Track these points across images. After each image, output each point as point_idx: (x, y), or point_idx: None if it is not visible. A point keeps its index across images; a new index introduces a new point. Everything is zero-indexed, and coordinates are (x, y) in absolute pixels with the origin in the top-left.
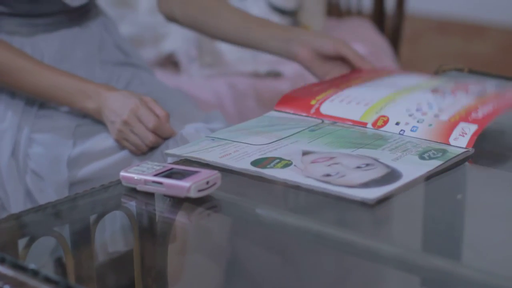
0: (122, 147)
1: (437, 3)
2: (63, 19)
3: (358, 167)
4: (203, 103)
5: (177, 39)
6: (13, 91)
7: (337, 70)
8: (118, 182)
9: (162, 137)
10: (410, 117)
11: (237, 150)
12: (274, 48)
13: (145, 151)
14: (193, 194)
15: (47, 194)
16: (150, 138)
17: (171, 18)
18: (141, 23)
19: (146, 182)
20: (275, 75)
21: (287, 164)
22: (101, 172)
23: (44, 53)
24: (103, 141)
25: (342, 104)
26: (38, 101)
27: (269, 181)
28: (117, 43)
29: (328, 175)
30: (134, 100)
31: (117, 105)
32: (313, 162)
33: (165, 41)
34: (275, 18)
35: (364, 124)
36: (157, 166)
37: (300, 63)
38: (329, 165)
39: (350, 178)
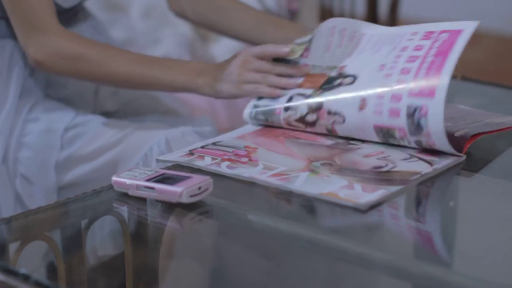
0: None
1: (430, 9)
2: None
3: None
4: (196, 108)
5: (169, 43)
6: (106, 84)
7: None
8: (110, 187)
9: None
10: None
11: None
12: None
13: (281, 84)
14: (185, 199)
15: (36, 199)
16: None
17: (181, 15)
18: (133, 28)
19: (138, 187)
20: None
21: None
22: (89, 176)
23: None
24: (90, 144)
25: None
26: (27, 105)
27: (261, 187)
28: None
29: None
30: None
31: (229, 61)
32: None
33: (158, 45)
34: None
35: None
36: (149, 171)
37: None
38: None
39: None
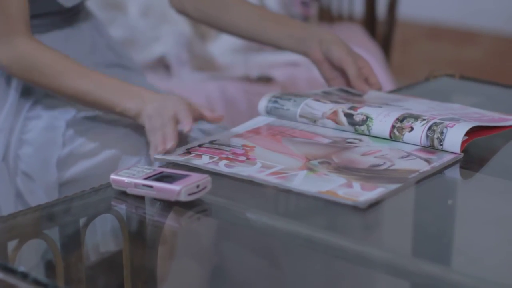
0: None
1: (429, 9)
2: (56, 20)
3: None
4: None
5: (168, 42)
6: (50, 93)
7: (343, 80)
8: (108, 185)
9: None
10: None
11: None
12: (288, 46)
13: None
14: (183, 197)
15: (38, 196)
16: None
17: (182, 12)
18: (132, 26)
19: (136, 185)
20: (266, 80)
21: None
22: (88, 172)
23: None
24: (90, 140)
25: None
26: (28, 102)
27: (260, 185)
28: (108, 45)
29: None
30: (174, 102)
31: (158, 104)
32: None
33: (156, 44)
34: None
35: None
36: (148, 170)
37: (312, 62)
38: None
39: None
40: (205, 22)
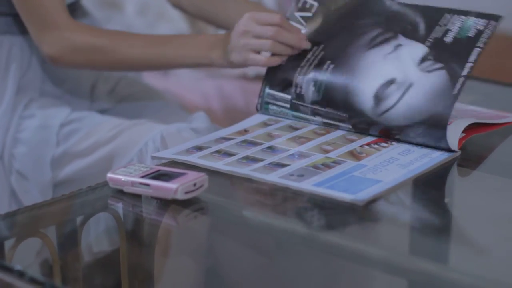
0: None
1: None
2: None
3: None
4: (191, 104)
5: None
6: (123, 70)
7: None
8: (105, 183)
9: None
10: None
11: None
12: None
13: (280, 50)
14: (180, 196)
15: (32, 195)
16: (273, 31)
17: (178, 7)
18: (128, 25)
19: (133, 183)
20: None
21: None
22: (84, 171)
23: (33, 51)
24: (85, 139)
25: None
26: (23, 101)
27: (257, 183)
28: None
29: None
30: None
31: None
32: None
33: None
34: None
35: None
36: (144, 168)
37: None
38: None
39: None
40: (201, 18)
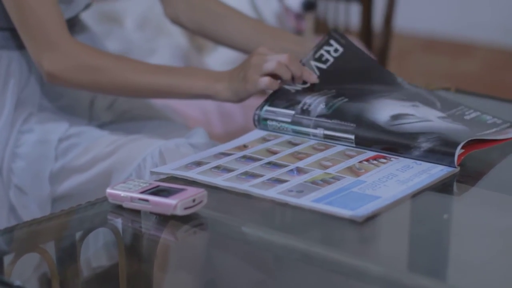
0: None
1: (424, 22)
2: None
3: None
4: (190, 119)
5: (164, 55)
6: (125, 94)
7: None
8: (104, 199)
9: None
10: None
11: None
12: None
13: (283, 73)
14: (179, 212)
15: (30, 210)
16: (285, 57)
17: (177, 23)
18: (128, 39)
19: (132, 199)
20: (263, 93)
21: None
22: (82, 186)
23: (32, 66)
24: (84, 154)
25: None
26: (22, 115)
27: (256, 199)
28: None
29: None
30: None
31: (242, 64)
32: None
33: (153, 56)
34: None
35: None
36: (144, 183)
37: None
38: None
39: None
40: (200, 34)
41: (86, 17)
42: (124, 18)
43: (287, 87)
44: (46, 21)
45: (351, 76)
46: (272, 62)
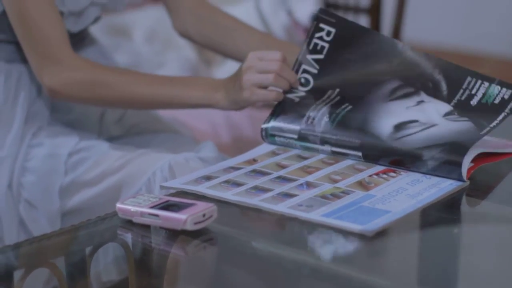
0: (252, 100)
1: (434, 33)
2: None
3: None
4: (199, 133)
5: (173, 67)
6: (125, 106)
7: None
8: (114, 213)
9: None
10: None
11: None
12: None
13: (280, 84)
14: (189, 226)
15: (40, 224)
16: (276, 65)
17: (185, 36)
18: (137, 52)
19: (142, 214)
20: (271, 106)
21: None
22: (92, 201)
23: None
24: (93, 168)
25: None
26: (31, 129)
27: (266, 213)
28: None
29: None
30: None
31: (238, 71)
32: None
33: (161, 70)
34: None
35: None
36: (153, 198)
37: None
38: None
39: None
40: (209, 47)
41: (95, 30)
42: (132, 31)
43: (289, 95)
44: (48, 35)
45: (351, 59)
46: (270, 77)
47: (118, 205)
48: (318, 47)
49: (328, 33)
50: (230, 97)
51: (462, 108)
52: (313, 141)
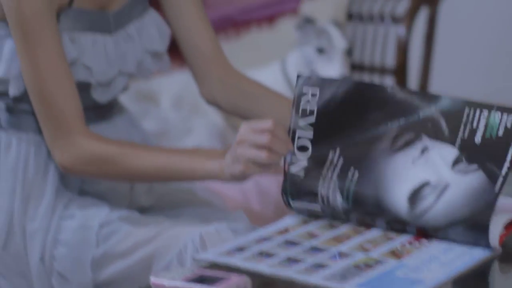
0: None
1: (459, 91)
2: (91, 115)
3: None
4: (230, 200)
5: (201, 133)
6: (131, 181)
7: None
8: (148, 286)
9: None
10: None
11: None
12: None
13: (274, 160)
14: None
15: None
16: (267, 138)
17: (213, 103)
18: (164, 118)
19: None
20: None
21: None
22: (124, 272)
23: None
24: (124, 240)
25: None
26: (62, 201)
27: (300, 285)
28: (143, 138)
29: None
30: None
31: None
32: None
33: (189, 136)
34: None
35: None
36: (187, 271)
37: None
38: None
39: None
40: (236, 113)
41: (124, 97)
42: (160, 97)
43: (293, 171)
44: (65, 111)
45: (343, 115)
46: (262, 155)
47: (153, 279)
48: (308, 112)
49: (313, 94)
50: (228, 171)
51: (468, 150)
52: (338, 217)
